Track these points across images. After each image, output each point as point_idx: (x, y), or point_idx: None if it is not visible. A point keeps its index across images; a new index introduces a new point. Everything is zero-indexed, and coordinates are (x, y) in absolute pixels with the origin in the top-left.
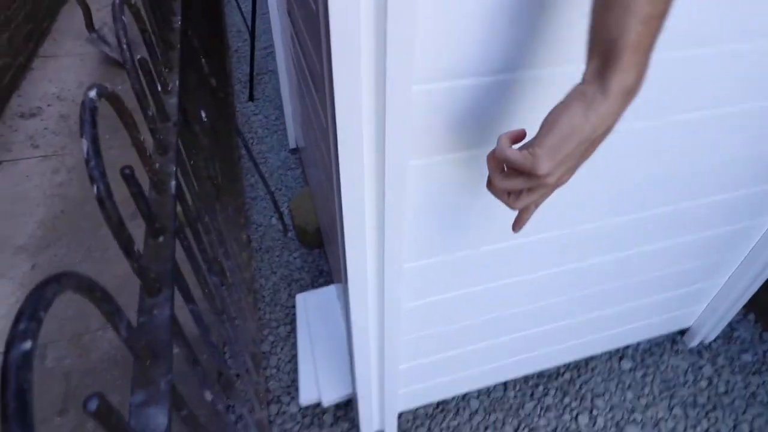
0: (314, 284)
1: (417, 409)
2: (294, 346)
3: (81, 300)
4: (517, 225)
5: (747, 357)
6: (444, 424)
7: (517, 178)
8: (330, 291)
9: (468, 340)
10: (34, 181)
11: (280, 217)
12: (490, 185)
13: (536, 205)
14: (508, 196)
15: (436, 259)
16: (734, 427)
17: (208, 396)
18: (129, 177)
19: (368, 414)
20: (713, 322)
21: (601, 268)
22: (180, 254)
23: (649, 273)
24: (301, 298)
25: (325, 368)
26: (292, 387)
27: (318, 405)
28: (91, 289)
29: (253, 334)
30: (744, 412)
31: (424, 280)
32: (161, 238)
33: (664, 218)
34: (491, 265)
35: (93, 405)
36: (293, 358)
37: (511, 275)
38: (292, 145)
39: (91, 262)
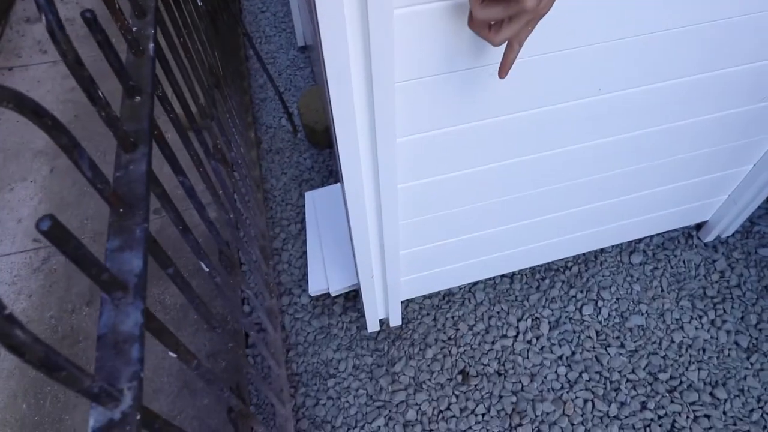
0: (324, 184)
1: (423, 300)
2: (305, 242)
3: (103, 204)
4: (502, 69)
5: (765, 251)
6: (449, 314)
7: (497, 5)
8: (338, 189)
9: (468, 226)
10: (46, 86)
11: (289, 118)
12: (471, 21)
13: (519, 42)
14: (489, 30)
15: (429, 133)
16: (742, 318)
17: (204, 266)
18: (91, 21)
19: (372, 301)
20: (732, 215)
21: (614, 149)
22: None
23: (671, 156)
24: (309, 196)
25: (332, 260)
26: (303, 280)
27: (327, 295)
28: (37, 113)
29: (263, 229)
30: (754, 304)
31: (418, 157)
32: (137, 98)
33: (685, 90)
34: (489, 141)
35: (45, 225)
36: (304, 254)
37: (511, 155)
38: (300, 43)
39: (106, 165)
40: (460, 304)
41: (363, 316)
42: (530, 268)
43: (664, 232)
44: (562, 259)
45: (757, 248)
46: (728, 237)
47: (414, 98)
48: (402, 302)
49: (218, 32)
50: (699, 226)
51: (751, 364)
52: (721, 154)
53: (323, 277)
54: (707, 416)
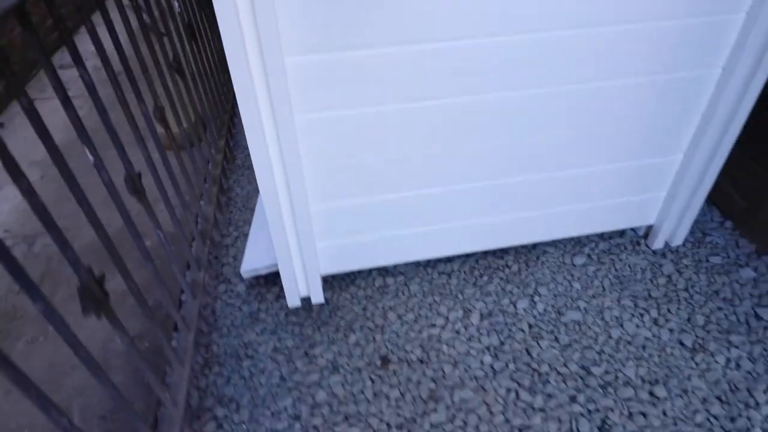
0: None
1: (357, 291)
2: None
3: (71, 202)
4: None
5: (716, 259)
6: (381, 304)
7: None
8: None
9: (382, 184)
10: (61, 114)
11: None
12: None
13: None
14: None
15: (323, 56)
16: (688, 319)
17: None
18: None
19: (289, 267)
20: (675, 217)
21: (532, 105)
22: None
23: (595, 126)
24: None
25: (267, 246)
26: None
27: (262, 283)
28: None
29: (208, 215)
30: (702, 306)
31: (311, 84)
32: None
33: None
34: (391, 75)
35: None
36: None
37: (416, 97)
38: None
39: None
40: (393, 296)
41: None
42: (469, 266)
43: (611, 238)
44: (503, 258)
45: (708, 257)
46: (678, 246)
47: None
48: (327, 282)
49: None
50: (647, 235)
51: (696, 363)
52: (646, 135)
53: (254, 260)
54: (643, 414)
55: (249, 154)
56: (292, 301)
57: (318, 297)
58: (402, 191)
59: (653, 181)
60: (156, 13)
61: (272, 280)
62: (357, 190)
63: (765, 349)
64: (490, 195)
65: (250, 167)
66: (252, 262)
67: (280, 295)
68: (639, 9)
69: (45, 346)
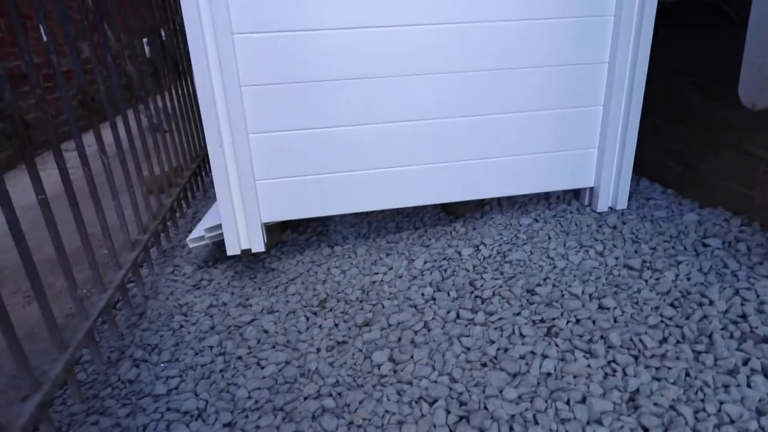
0: None
1: (303, 253)
2: None
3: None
4: None
5: (660, 213)
6: (326, 264)
7: None
8: None
9: (323, 113)
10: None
11: None
12: None
13: None
14: None
15: None
16: (635, 251)
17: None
18: None
19: (230, 218)
20: (613, 175)
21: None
22: None
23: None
24: None
25: (212, 222)
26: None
27: (212, 259)
28: None
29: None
30: (648, 241)
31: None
32: None
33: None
34: None
35: None
36: None
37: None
38: None
39: None
40: (339, 258)
41: (237, 270)
42: (418, 234)
43: (556, 206)
44: (452, 225)
45: (653, 212)
46: (623, 209)
47: None
48: (273, 252)
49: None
50: (590, 203)
51: (645, 280)
52: (566, 84)
53: (199, 231)
54: (592, 320)
55: None
56: (232, 249)
57: (258, 246)
58: (340, 124)
59: (582, 134)
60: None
61: (219, 257)
62: (298, 117)
63: (715, 265)
64: (429, 136)
65: None
66: (196, 232)
67: (228, 267)
68: None
69: None
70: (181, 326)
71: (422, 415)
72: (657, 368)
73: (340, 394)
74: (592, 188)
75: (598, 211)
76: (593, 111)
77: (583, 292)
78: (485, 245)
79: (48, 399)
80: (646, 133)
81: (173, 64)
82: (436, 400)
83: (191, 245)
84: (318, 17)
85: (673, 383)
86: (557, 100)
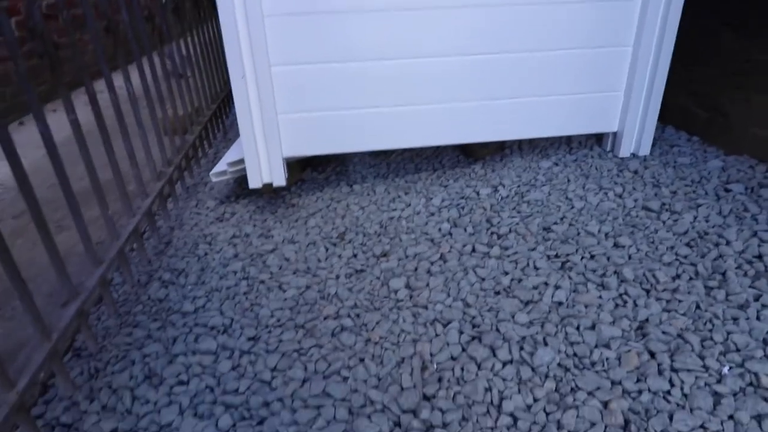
0: None
1: (324, 195)
2: None
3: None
4: None
5: (684, 159)
6: (346, 201)
7: None
8: None
9: (350, 49)
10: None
11: None
12: None
13: None
14: None
15: None
16: (655, 194)
17: None
18: None
19: (252, 152)
20: (637, 120)
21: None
22: None
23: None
24: None
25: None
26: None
27: (229, 195)
28: None
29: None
30: (669, 185)
31: None
32: None
33: None
34: None
35: None
36: None
37: None
38: None
39: None
40: (358, 195)
41: (258, 205)
42: (437, 175)
43: (577, 150)
44: (471, 167)
45: (676, 159)
46: (646, 156)
47: None
48: (295, 189)
49: None
50: (613, 148)
51: (663, 221)
52: (595, 25)
53: (222, 165)
54: (606, 256)
55: None
56: (254, 182)
57: (280, 180)
58: (361, 58)
59: (608, 76)
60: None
61: (240, 194)
62: (318, 52)
63: (735, 209)
64: (450, 74)
65: None
66: (219, 167)
67: (250, 202)
68: None
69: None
70: (206, 254)
71: (436, 335)
72: (668, 301)
73: (358, 315)
74: (615, 133)
75: (620, 156)
76: (622, 52)
77: (599, 231)
78: (503, 186)
79: (85, 307)
80: (673, 79)
81: (193, 2)
82: (450, 322)
83: (214, 179)
84: None
85: (683, 314)
86: (585, 39)
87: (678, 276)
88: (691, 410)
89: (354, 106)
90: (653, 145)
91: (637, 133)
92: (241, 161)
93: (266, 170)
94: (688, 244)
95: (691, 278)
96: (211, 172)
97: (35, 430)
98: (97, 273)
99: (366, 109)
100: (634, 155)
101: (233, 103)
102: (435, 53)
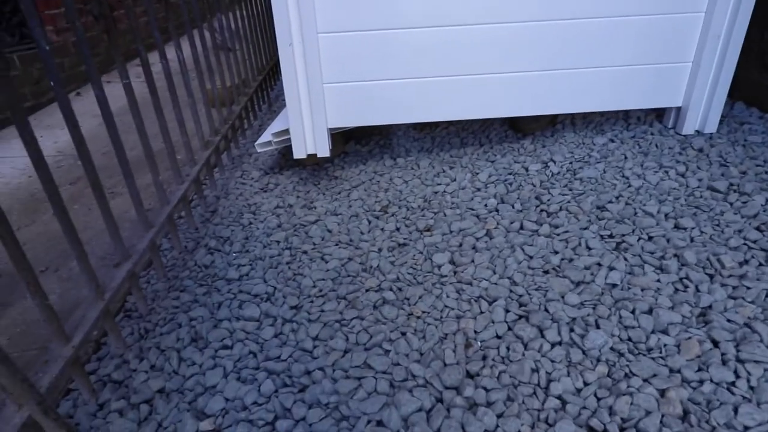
0: None
1: (368, 168)
2: None
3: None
4: None
5: (755, 138)
6: (390, 174)
7: None
8: None
9: (387, 14)
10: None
11: None
12: None
13: None
14: None
15: None
16: (722, 174)
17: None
18: None
19: (298, 120)
20: (705, 94)
21: None
22: None
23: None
24: None
25: (280, 127)
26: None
27: (273, 167)
28: None
29: (237, 113)
30: (738, 165)
31: None
32: None
33: None
34: None
35: None
36: None
37: None
38: None
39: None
40: (402, 169)
41: (301, 176)
42: (483, 150)
43: (636, 127)
44: (519, 142)
45: (746, 137)
46: (712, 133)
47: None
48: (339, 162)
49: None
50: (675, 125)
51: (731, 203)
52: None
53: (267, 136)
54: (666, 238)
55: None
56: (299, 152)
57: (324, 151)
58: (405, 26)
59: (676, 44)
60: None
61: (284, 165)
62: (364, 19)
63: None
64: (497, 42)
65: None
66: (264, 137)
67: (293, 173)
68: None
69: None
70: (251, 223)
71: (481, 312)
72: (734, 287)
73: (400, 289)
74: (678, 108)
75: (683, 133)
76: (693, 18)
77: (658, 212)
78: (554, 162)
79: (136, 269)
80: (747, 47)
81: None
82: (495, 300)
83: (259, 149)
84: None
85: (751, 302)
86: (653, 4)
87: (746, 261)
88: (759, 404)
89: (400, 76)
90: (720, 122)
91: (704, 109)
92: (286, 131)
93: (311, 141)
94: (758, 228)
95: (760, 264)
96: (257, 143)
97: (88, 383)
98: (148, 237)
99: (412, 79)
100: (699, 132)
101: (278, 75)
102: (484, 20)
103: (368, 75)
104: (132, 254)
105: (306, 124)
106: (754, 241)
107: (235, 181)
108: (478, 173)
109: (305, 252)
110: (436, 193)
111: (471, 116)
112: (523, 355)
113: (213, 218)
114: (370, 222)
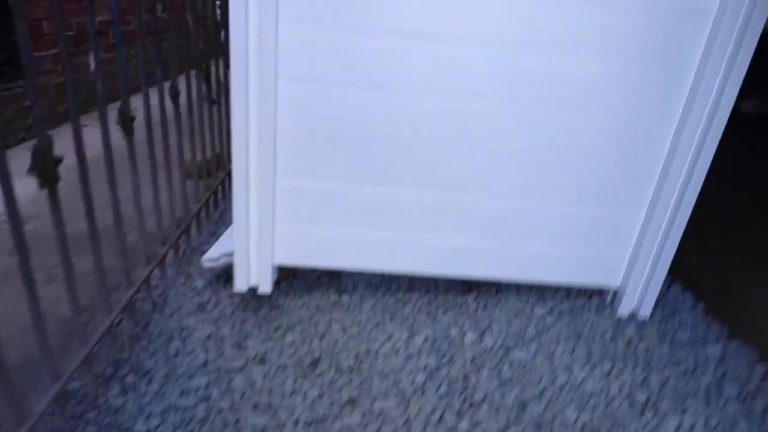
0: None
1: (309, 299)
2: None
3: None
4: None
5: (683, 334)
6: (330, 315)
7: None
8: None
9: (356, 170)
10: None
11: None
12: None
13: None
14: None
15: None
16: (644, 378)
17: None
18: None
19: (243, 252)
20: (641, 281)
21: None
22: None
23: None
24: None
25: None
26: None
27: (218, 276)
28: None
29: (193, 213)
30: (661, 370)
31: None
32: None
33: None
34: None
35: None
36: None
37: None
38: None
39: None
40: (344, 310)
41: (243, 296)
42: (428, 299)
43: (576, 299)
44: (464, 296)
45: (675, 331)
46: (645, 319)
47: None
48: (282, 289)
49: None
50: (613, 302)
51: (645, 422)
52: (607, 180)
53: (215, 251)
54: None
55: None
56: (240, 285)
57: (266, 287)
58: (368, 184)
59: (616, 235)
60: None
61: (230, 274)
62: (334, 168)
63: (723, 422)
64: (454, 210)
65: None
66: (212, 253)
67: (236, 293)
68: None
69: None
70: (176, 354)
71: None
72: None
73: None
74: (616, 290)
75: (618, 315)
76: (634, 212)
77: (577, 419)
78: (491, 331)
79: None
80: (688, 232)
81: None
82: None
83: (206, 265)
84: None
85: None
86: (592, 196)
87: None
88: None
89: (355, 226)
90: (656, 304)
91: (640, 292)
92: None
93: (255, 274)
94: None
95: None
96: (204, 258)
97: None
98: (52, 391)
99: (369, 231)
100: (632, 316)
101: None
102: (437, 186)
103: (329, 223)
104: (27, 418)
105: (252, 260)
106: None
107: (177, 289)
108: (414, 335)
109: (220, 411)
110: (369, 351)
111: (428, 272)
112: None
113: (142, 336)
114: (295, 381)
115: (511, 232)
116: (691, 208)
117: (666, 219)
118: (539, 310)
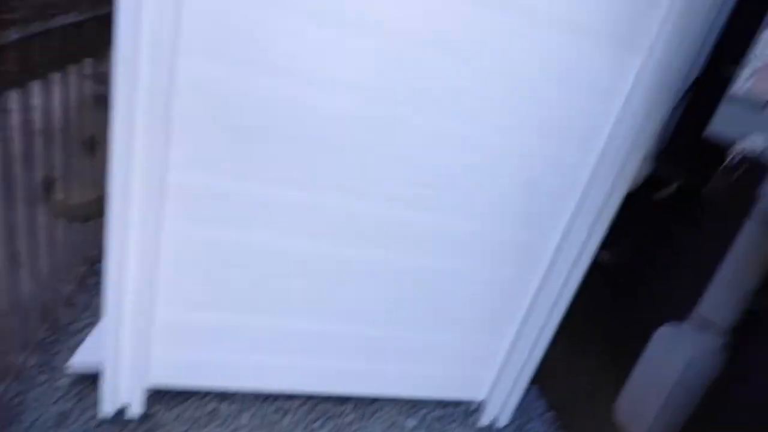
0: None
1: (185, 413)
2: None
3: None
4: None
5: None
6: (206, 430)
7: None
8: None
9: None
10: None
11: None
12: None
13: None
14: None
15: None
16: None
17: None
18: None
19: (113, 369)
20: (503, 397)
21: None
22: None
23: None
24: None
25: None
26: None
27: (86, 376)
28: None
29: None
30: None
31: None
32: None
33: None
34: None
35: None
36: None
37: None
38: None
39: None
40: (221, 423)
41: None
42: (307, 408)
43: (446, 406)
44: (342, 406)
45: None
46: (501, 428)
47: None
48: (157, 396)
49: None
50: (477, 409)
51: None
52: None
53: (88, 354)
54: None
55: None
56: (107, 407)
57: (136, 410)
58: (249, 313)
59: (483, 356)
60: None
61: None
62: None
63: None
64: (332, 339)
65: None
66: (84, 355)
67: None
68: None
69: None
70: None
71: None
72: None
73: None
74: (481, 400)
75: (479, 425)
76: (500, 337)
77: None
78: None
79: None
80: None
81: None
82: None
83: (71, 370)
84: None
85: None
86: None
87: None
88: None
89: (236, 352)
90: (515, 411)
91: (502, 404)
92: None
93: (125, 394)
94: None
95: None
96: (73, 359)
97: None
98: None
99: (250, 356)
100: (492, 425)
101: None
102: (318, 319)
103: (208, 348)
104: None
105: (122, 379)
106: None
107: (36, 391)
108: None
109: None
110: None
111: (305, 390)
112: None
113: None
114: None
115: (385, 354)
116: (559, 320)
117: (530, 345)
118: (410, 423)
